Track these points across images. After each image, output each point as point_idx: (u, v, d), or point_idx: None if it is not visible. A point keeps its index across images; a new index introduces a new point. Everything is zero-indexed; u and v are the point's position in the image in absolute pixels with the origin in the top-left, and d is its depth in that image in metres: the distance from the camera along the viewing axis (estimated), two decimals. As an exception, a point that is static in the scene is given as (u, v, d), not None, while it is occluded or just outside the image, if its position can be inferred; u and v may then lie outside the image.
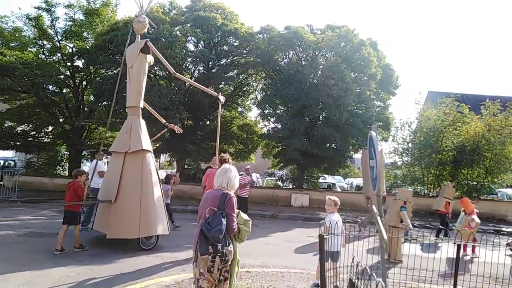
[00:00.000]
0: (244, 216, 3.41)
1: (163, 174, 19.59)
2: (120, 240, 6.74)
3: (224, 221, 3.07)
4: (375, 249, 4.65)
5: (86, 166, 22.84)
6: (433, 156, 15.53)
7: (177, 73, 7.30)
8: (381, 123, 16.26)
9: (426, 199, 15.45)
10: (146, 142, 7.03)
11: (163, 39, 13.62)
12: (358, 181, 22.56)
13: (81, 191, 6.56)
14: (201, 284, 3.07)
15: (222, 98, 7.83)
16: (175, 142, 16.14)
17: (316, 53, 15.79)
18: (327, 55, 15.78)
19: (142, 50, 6.98)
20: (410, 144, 16.91)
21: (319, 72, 14.86)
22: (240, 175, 10.76)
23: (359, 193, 16.76)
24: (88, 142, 18.98)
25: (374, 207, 4.31)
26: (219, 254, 3.01)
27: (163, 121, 9.00)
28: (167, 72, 16.08)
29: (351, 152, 16.41)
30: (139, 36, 7.37)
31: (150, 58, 7.25)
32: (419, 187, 17.26)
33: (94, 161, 8.85)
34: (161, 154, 20.83)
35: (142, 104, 7.15)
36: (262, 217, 12.31)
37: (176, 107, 14.46)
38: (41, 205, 12.20)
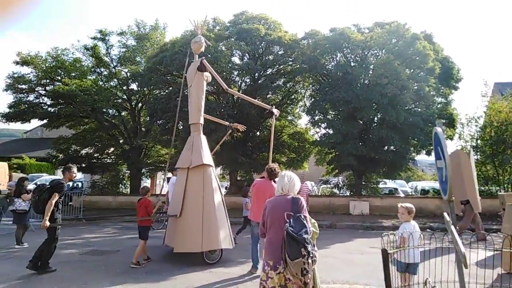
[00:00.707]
0: (311, 219, 3.58)
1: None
2: (187, 255, 6.85)
3: (306, 223, 3.15)
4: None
5: (146, 183, 23.98)
6: (508, 152, 13.89)
7: (229, 89, 7.36)
8: (444, 120, 14.93)
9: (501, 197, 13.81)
10: (207, 157, 7.22)
11: (209, 55, 13.82)
12: (424, 184, 20.99)
13: (151, 208, 6.78)
14: None
15: (276, 111, 7.78)
16: (227, 155, 16.21)
17: (366, 53, 15.04)
18: (377, 54, 14.95)
19: (199, 69, 7.31)
20: (479, 141, 15.33)
21: (370, 72, 14.09)
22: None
23: (425, 198, 15.51)
24: (147, 160, 19.83)
25: (445, 214, 3.76)
26: (311, 255, 3.01)
27: (226, 123, 9.49)
28: (215, 86, 16.33)
29: (413, 154, 15.22)
30: (197, 56, 7.69)
31: (207, 75, 7.51)
32: (493, 187, 15.55)
33: (173, 177, 9.24)
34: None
35: (202, 120, 7.42)
36: (319, 227, 11.72)
37: (226, 120, 14.50)
38: (103, 222, 12.79)
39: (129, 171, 19.76)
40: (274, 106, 8.09)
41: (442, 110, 15.14)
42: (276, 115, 7.68)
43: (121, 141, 19.60)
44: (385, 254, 3.31)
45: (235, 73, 15.98)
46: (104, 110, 19.10)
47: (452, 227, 3.23)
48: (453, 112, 15.13)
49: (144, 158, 19.66)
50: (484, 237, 9.02)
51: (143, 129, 19.49)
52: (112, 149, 19.89)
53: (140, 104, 19.21)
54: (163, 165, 19.32)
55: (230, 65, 14.48)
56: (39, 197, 5.98)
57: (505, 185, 14.84)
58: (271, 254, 3.21)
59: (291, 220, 3.13)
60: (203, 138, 7.40)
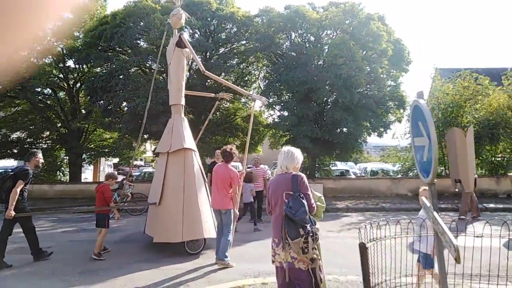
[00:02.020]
0: (316, 192, 3.61)
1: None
2: (168, 245, 6.35)
3: (304, 202, 3.12)
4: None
5: (89, 170, 22.19)
6: (454, 133, 14.43)
7: (207, 71, 6.65)
8: (396, 102, 15.17)
9: (448, 179, 14.41)
10: (188, 141, 6.73)
11: (154, 29, 12.65)
12: (372, 166, 21.55)
13: (109, 195, 6.40)
14: (299, 266, 3.15)
15: (259, 98, 7.34)
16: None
17: (320, 33, 14.68)
18: (332, 34, 14.66)
19: (178, 44, 6.71)
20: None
21: (325, 52, 13.78)
22: (248, 168, 9.90)
23: (375, 179, 15.78)
24: (87, 145, 18.19)
25: (424, 199, 3.38)
26: (310, 234, 3.05)
27: (212, 94, 9.05)
28: (161, 65, 15.15)
29: (365, 135, 15.33)
30: (176, 30, 7.06)
31: (187, 52, 6.87)
32: (439, 168, 16.24)
33: None
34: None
35: (183, 101, 6.90)
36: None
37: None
38: (38, 215, 11.41)
39: (67, 157, 18.01)
40: (254, 93, 7.54)
41: (393, 92, 15.33)
42: (263, 102, 7.43)
43: (58, 125, 17.75)
44: (363, 248, 2.83)
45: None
46: (38, 90, 17.10)
47: (435, 214, 2.82)
48: (403, 94, 15.38)
49: (85, 143, 18.01)
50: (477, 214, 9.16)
51: (83, 111, 17.77)
52: (47, 133, 17.95)
53: (79, 84, 17.40)
54: (106, 150, 17.84)
55: (167, 41, 13.32)
56: (2, 185, 5.67)
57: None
58: (276, 232, 3.27)
59: (290, 200, 3.13)
60: (185, 120, 6.94)
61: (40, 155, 6.27)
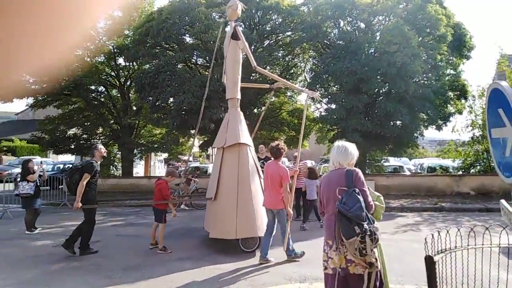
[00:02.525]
0: (374, 191, 3.21)
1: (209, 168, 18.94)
2: (223, 241, 6.27)
3: (360, 197, 2.83)
4: None
5: (141, 165, 23.00)
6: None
7: (258, 67, 6.51)
8: (457, 92, 13.86)
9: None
10: (243, 135, 6.58)
11: (199, 23, 12.56)
12: (429, 161, 20.05)
13: (167, 192, 6.42)
14: (354, 271, 2.84)
15: (311, 94, 7.05)
16: (216, 132, 15.19)
17: (371, 19, 13.74)
18: (384, 20, 13.67)
19: (233, 36, 6.56)
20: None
21: (377, 39, 12.86)
22: (290, 165, 9.52)
23: (434, 176, 14.58)
24: (138, 141, 18.78)
25: (503, 202, 2.80)
26: (368, 234, 2.73)
27: (266, 86, 8.98)
28: (206, 59, 15.11)
29: (421, 129, 14.18)
30: (232, 22, 6.86)
31: (242, 45, 6.70)
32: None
33: None
34: (210, 148, 20.08)
35: (239, 95, 6.78)
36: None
37: (219, 96, 13.40)
38: (101, 207, 11.85)
39: (120, 152, 18.72)
40: (306, 88, 7.21)
41: (454, 81, 14.02)
42: (316, 97, 7.17)
43: (111, 121, 18.49)
44: (430, 261, 2.33)
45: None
46: (93, 88, 17.91)
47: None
48: (464, 83, 13.99)
49: (136, 138, 18.60)
50: None
51: (134, 107, 18.36)
52: (101, 129, 18.78)
53: (129, 81, 17.97)
54: (156, 145, 18.27)
55: (223, 35, 13.13)
56: (70, 178, 5.89)
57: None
58: (330, 233, 2.99)
59: (344, 196, 2.86)
60: (241, 114, 6.76)
61: (100, 146, 6.46)
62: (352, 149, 3.16)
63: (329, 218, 3.06)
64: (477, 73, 73.96)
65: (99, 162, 6.28)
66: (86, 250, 6.15)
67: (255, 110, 18.04)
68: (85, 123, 18.22)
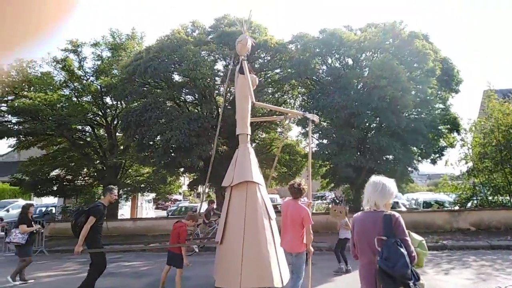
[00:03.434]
0: (416, 236, 2.80)
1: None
2: None
3: (403, 251, 2.48)
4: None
5: (127, 206, 22.07)
6: (520, 158, 12.70)
7: (256, 101, 6.21)
8: (448, 126, 13.75)
9: (520, 211, 12.50)
10: (252, 172, 6.08)
11: (187, 61, 12.44)
12: (424, 196, 19.62)
13: (185, 236, 6.22)
14: None
15: (310, 116, 6.48)
16: (212, 171, 14.63)
17: (359, 56, 13.84)
18: (372, 56, 13.76)
19: (240, 71, 6.42)
20: (484, 147, 14.08)
21: (365, 74, 12.85)
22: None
23: (431, 212, 14.08)
24: (124, 181, 18.10)
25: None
26: None
27: (276, 118, 8.51)
28: (195, 96, 14.90)
29: (415, 163, 13.88)
30: (242, 58, 6.65)
31: (252, 78, 6.46)
32: (503, 197, 14.28)
33: None
34: (199, 186, 19.43)
35: (249, 130, 6.43)
36: (318, 250, 10.17)
37: (208, 133, 13.05)
38: (68, 255, 11.02)
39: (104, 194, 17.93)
40: (307, 112, 6.87)
41: (445, 115, 13.95)
42: (313, 121, 6.50)
43: (96, 162, 17.89)
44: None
45: (218, 80, 14.58)
46: (80, 128, 17.48)
47: None
48: (456, 116, 13.93)
49: (122, 178, 17.93)
50: None
51: (121, 146, 17.86)
52: (86, 169, 18.12)
53: (116, 120, 17.61)
54: (142, 185, 17.59)
55: (211, 72, 13.03)
56: (76, 220, 5.75)
57: (517, 194, 13.55)
58: (367, 285, 2.66)
59: (384, 249, 2.48)
60: (251, 151, 6.42)
61: (115, 191, 6.29)
62: (391, 186, 2.72)
63: (364, 268, 2.72)
64: (465, 107, 75.61)
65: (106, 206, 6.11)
66: None
67: (282, 144, 17.71)
68: (69, 164, 17.59)
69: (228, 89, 15.36)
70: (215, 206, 12.62)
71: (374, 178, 2.81)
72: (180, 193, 39.31)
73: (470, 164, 14.71)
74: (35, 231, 8.02)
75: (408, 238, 2.59)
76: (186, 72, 12.78)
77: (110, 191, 6.16)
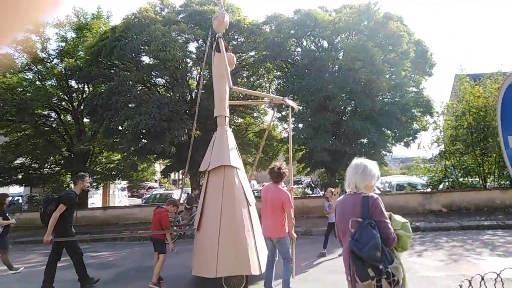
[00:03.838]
0: (399, 218, 2.69)
1: (176, 194, 17.72)
2: (206, 280, 5.41)
3: (375, 232, 2.39)
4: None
5: (98, 194, 21.34)
6: (491, 140, 12.93)
7: (234, 86, 5.69)
8: (421, 109, 13.81)
9: (489, 192, 12.81)
10: (230, 157, 5.73)
11: (156, 41, 11.81)
12: (397, 179, 19.91)
13: (167, 223, 5.92)
14: None
15: (291, 103, 6.11)
16: (186, 157, 14.20)
17: (334, 38, 13.58)
18: (347, 38, 13.53)
19: (216, 49, 5.96)
20: (456, 130, 14.28)
21: (341, 56, 12.64)
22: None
23: (404, 194, 14.25)
24: (94, 168, 17.37)
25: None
26: (385, 276, 2.36)
27: (259, 102, 7.90)
28: (166, 78, 14.30)
29: (389, 146, 13.94)
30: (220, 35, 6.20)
31: (229, 57, 6.00)
32: (473, 179, 14.63)
33: None
34: (173, 172, 18.97)
35: (227, 112, 6.05)
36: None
37: (180, 117, 12.56)
38: (31, 246, 10.45)
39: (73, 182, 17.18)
40: (286, 98, 6.38)
41: (418, 98, 13.99)
42: (293, 107, 6.19)
43: (63, 149, 17.05)
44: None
45: (190, 62, 14.02)
46: (44, 113, 16.53)
47: None
48: (429, 99, 14.00)
49: (91, 166, 17.20)
50: None
51: (89, 132, 17.06)
52: (52, 157, 17.25)
53: (83, 105, 16.75)
54: (113, 172, 16.94)
55: (181, 53, 12.44)
56: (45, 209, 5.58)
57: (485, 175, 13.86)
58: (346, 269, 2.63)
59: (357, 230, 2.45)
60: (229, 134, 6.02)
61: (87, 178, 6.10)
62: (373, 167, 2.64)
63: (345, 251, 2.65)
64: (437, 90, 77.43)
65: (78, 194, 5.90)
66: (87, 282, 5.88)
67: (267, 133, 17.30)
68: (34, 151, 16.68)
69: (204, 72, 14.85)
70: (197, 192, 12.26)
71: (355, 160, 2.73)
72: (156, 180, 38.53)
73: (442, 146, 14.95)
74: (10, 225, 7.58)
75: (386, 220, 2.49)
76: (155, 53, 12.16)
77: (81, 179, 5.92)
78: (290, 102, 6.15)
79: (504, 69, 14.44)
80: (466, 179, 14.58)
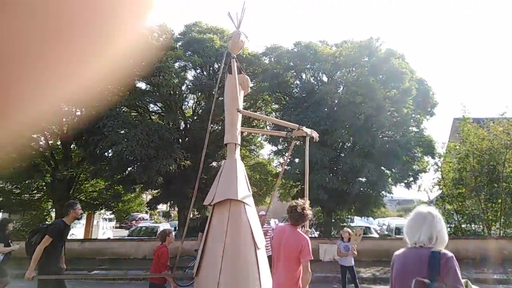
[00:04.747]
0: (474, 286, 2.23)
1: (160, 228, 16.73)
2: None
3: None
4: None
5: (80, 225, 20.17)
6: (496, 185, 12.28)
7: (242, 110, 5.10)
8: (421, 149, 13.26)
9: (495, 241, 11.96)
10: (238, 189, 4.91)
11: (151, 65, 11.42)
12: (396, 222, 18.99)
13: (165, 260, 5.17)
14: None
15: (309, 131, 5.40)
16: (175, 189, 13.41)
17: (334, 72, 13.27)
18: (348, 73, 13.23)
19: (229, 70, 5.36)
20: (459, 173, 13.64)
21: (340, 89, 12.24)
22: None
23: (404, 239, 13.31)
24: (78, 196, 16.45)
25: None
26: None
27: (284, 133, 7.04)
28: (159, 105, 13.83)
29: (389, 186, 13.23)
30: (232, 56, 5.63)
31: (243, 79, 5.40)
32: (476, 226, 13.80)
33: None
34: (160, 204, 18.02)
35: (238, 139, 5.27)
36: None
37: (170, 145, 11.92)
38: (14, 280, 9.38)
39: (54, 210, 16.24)
40: (303, 126, 5.71)
41: (420, 137, 13.48)
42: (313, 137, 5.45)
43: (47, 174, 16.23)
44: None
45: (186, 90, 13.60)
46: (34, 136, 15.88)
47: None
48: (431, 139, 13.48)
49: (75, 194, 16.29)
50: None
51: (77, 158, 16.33)
52: (34, 183, 16.39)
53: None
54: (97, 202, 16.03)
55: (177, 80, 12.03)
56: (30, 238, 5.01)
57: (489, 222, 13.04)
58: None
59: None
60: (239, 164, 5.22)
61: (78, 205, 5.41)
62: (440, 221, 2.21)
63: None
64: (436, 131, 77.42)
65: (70, 225, 5.24)
66: None
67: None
68: (15, 175, 15.83)
69: (200, 100, 14.37)
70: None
71: (422, 208, 2.30)
72: (146, 212, 37.13)
73: (443, 189, 14.26)
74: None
75: (461, 286, 1.99)
76: (148, 77, 11.74)
77: (72, 207, 5.28)
78: (307, 130, 5.52)
79: (509, 112, 14.03)
80: (469, 225, 13.76)
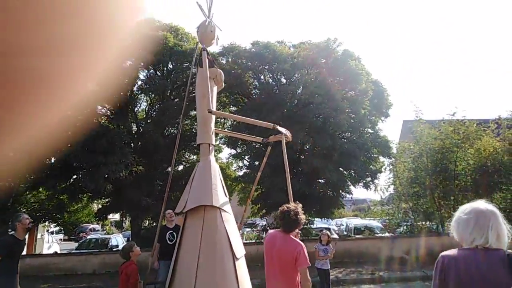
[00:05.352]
0: None
1: (118, 240, 15.61)
2: None
3: None
4: None
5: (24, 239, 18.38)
6: (448, 182, 12.68)
7: (214, 110, 4.66)
8: (378, 149, 13.43)
9: (450, 238, 12.29)
10: (213, 195, 4.50)
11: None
12: (355, 222, 19.20)
13: (136, 278, 4.50)
14: None
15: (284, 131, 5.00)
16: (126, 196, 12.47)
17: (293, 73, 13.10)
18: (307, 74, 13.10)
19: (199, 64, 4.91)
20: (414, 172, 13.99)
21: (299, 90, 12.06)
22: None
23: (365, 239, 13.39)
24: (18, 208, 14.87)
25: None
26: None
27: (260, 139, 6.45)
28: (107, 106, 12.85)
29: (349, 187, 13.26)
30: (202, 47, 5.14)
31: (215, 73, 4.97)
32: (432, 223, 14.23)
33: None
34: (111, 213, 16.85)
35: (212, 139, 4.92)
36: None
37: (120, 150, 11.04)
38: None
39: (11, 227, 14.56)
40: (277, 125, 5.18)
41: (375, 138, 13.66)
42: (286, 136, 5.00)
43: (-19, 183, 14.53)
44: None
45: (136, 90, 12.76)
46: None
47: None
48: (387, 139, 13.71)
49: (15, 205, 14.73)
50: None
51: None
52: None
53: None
54: (39, 213, 14.58)
55: (127, 80, 11.21)
56: None
57: (448, 220, 13.46)
58: None
59: None
60: (213, 166, 4.80)
61: (24, 216, 4.90)
62: (499, 216, 1.94)
63: None
64: (388, 133, 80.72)
65: (23, 239, 4.83)
66: None
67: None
68: None
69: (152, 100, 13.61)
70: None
71: (480, 205, 1.99)
72: (97, 223, 34.97)
73: (399, 188, 14.56)
74: None
75: None
76: (98, 79, 10.78)
77: (17, 219, 4.81)
78: (282, 129, 5.09)
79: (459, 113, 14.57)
80: (424, 223, 14.14)
